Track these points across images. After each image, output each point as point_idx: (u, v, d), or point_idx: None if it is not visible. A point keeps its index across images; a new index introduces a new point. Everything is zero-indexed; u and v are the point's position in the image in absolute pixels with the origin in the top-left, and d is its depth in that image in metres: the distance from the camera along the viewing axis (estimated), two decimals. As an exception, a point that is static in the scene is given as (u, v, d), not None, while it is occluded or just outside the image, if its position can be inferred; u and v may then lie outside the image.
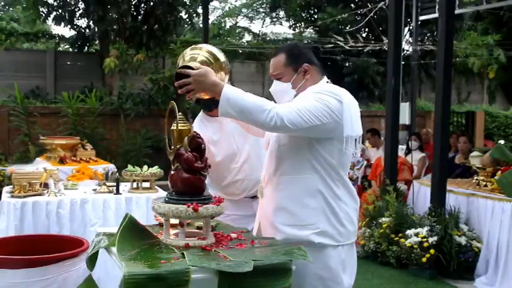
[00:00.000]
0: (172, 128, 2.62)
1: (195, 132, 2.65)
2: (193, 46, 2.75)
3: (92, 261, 2.68)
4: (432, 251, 5.63)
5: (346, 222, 2.63)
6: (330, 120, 2.51)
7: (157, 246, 2.51)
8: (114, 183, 5.06)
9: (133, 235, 2.53)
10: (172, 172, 2.62)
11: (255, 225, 2.99)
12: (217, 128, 3.56)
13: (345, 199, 2.65)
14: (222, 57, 2.67)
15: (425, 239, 5.69)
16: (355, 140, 2.63)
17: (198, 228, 2.85)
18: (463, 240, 5.72)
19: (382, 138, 9.93)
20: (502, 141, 11.54)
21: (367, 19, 13.20)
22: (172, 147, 2.62)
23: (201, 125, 3.59)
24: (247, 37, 25.20)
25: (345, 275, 2.64)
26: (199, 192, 2.59)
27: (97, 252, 2.63)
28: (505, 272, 5.48)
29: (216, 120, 3.53)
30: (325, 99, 2.53)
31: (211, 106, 3.48)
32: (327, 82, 2.76)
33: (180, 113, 2.60)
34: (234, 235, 2.75)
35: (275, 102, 2.66)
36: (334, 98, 2.55)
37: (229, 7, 26.52)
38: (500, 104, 21.64)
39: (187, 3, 14.80)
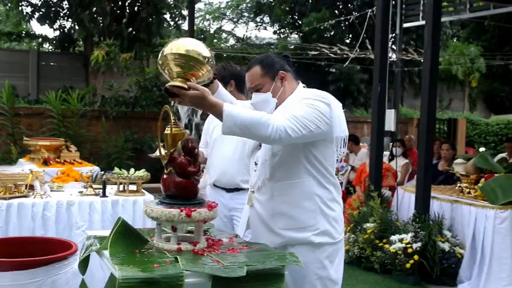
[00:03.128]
0: (166, 132, 2.63)
1: (188, 136, 2.66)
2: (172, 46, 2.55)
3: (83, 265, 2.67)
4: (416, 256, 5.67)
5: (339, 220, 2.76)
6: (323, 123, 2.58)
7: (149, 250, 2.51)
8: (101, 186, 5.03)
9: (126, 239, 2.52)
10: (165, 176, 2.63)
11: (242, 231, 3.02)
12: None
13: (337, 198, 2.77)
14: (206, 53, 2.56)
15: (409, 245, 5.74)
16: (343, 139, 2.74)
17: (189, 232, 2.85)
18: (446, 246, 5.77)
19: (361, 144, 10.05)
20: (482, 149, 11.69)
21: (350, 20, 13.28)
22: (166, 151, 2.63)
23: None
24: (231, 41, 25.22)
25: (337, 269, 2.76)
26: (192, 196, 2.60)
27: (89, 256, 2.62)
28: (488, 278, 5.56)
29: None
30: (315, 104, 2.60)
31: None
32: (304, 87, 2.85)
33: (174, 117, 2.61)
34: (225, 240, 2.76)
35: None
36: (322, 102, 2.62)
37: (212, 8, 26.56)
38: (481, 111, 21.92)
39: (172, 4, 14.75)
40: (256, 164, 2.85)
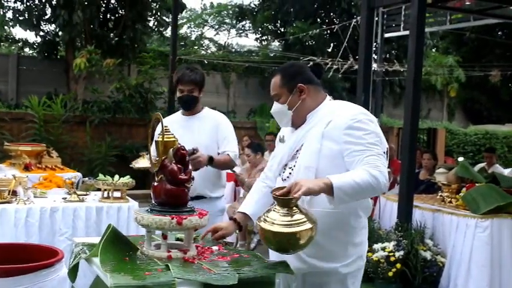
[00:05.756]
0: (157, 139, 2.62)
1: (179, 144, 2.66)
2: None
3: (73, 272, 2.66)
4: (398, 265, 5.72)
5: (365, 245, 2.74)
6: (384, 146, 2.59)
7: (139, 257, 2.51)
8: (84, 192, 5.01)
9: (116, 246, 2.52)
10: (155, 183, 2.62)
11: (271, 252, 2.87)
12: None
13: (366, 223, 2.74)
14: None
15: (392, 254, 5.79)
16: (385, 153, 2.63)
17: (178, 239, 2.85)
18: (428, 255, 5.83)
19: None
20: (461, 158, 11.82)
21: (334, 29, 13.38)
22: (157, 158, 2.62)
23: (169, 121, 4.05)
24: (213, 48, 25.23)
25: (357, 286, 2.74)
26: (182, 204, 2.60)
27: (78, 263, 2.61)
28: (468, 286, 5.61)
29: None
30: (374, 131, 2.57)
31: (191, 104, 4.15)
32: (330, 100, 2.77)
33: (166, 125, 2.60)
34: (215, 247, 2.76)
35: (268, 119, 2.73)
36: (372, 123, 2.59)
37: (194, 15, 26.60)
38: (460, 121, 22.18)
39: (156, 11, 14.72)
40: (284, 180, 2.73)
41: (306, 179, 2.48)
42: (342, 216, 2.59)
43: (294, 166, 2.67)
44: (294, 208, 2.37)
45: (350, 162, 2.52)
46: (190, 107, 4.17)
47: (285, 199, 2.35)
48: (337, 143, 2.55)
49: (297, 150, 2.68)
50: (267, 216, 2.39)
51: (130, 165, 4.82)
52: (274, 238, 2.36)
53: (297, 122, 2.73)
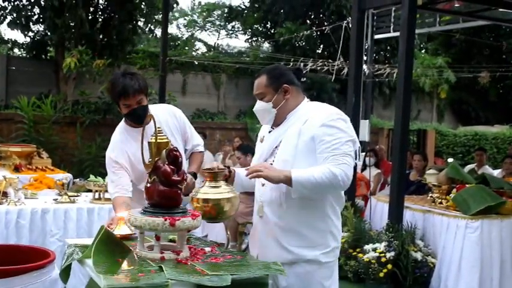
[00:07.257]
0: (150, 140, 2.62)
1: (172, 145, 2.66)
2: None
3: (65, 273, 2.65)
4: (389, 265, 5.74)
5: (340, 236, 2.87)
6: (354, 145, 2.73)
7: (132, 259, 2.50)
8: (75, 193, 5.00)
9: (109, 247, 2.51)
10: (148, 185, 2.62)
11: (252, 243, 2.99)
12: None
13: (339, 214, 2.86)
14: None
15: (383, 254, 5.80)
16: (358, 151, 2.81)
17: (171, 241, 2.85)
18: (418, 255, 5.85)
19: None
20: (451, 159, 11.88)
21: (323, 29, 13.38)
22: (150, 159, 2.62)
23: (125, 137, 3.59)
24: (203, 49, 25.19)
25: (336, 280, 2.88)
26: (175, 205, 2.60)
27: (70, 264, 2.60)
28: (458, 287, 5.64)
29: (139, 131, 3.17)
30: (344, 129, 2.69)
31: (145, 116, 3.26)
32: (307, 101, 2.90)
33: (159, 127, 2.60)
34: (207, 249, 2.77)
35: (259, 120, 2.87)
36: (346, 123, 2.73)
37: (185, 17, 26.60)
38: (449, 122, 22.26)
39: (146, 13, 14.66)
40: None
41: (278, 169, 2.68)
42: (321, 205, 2.75)
43: (273, 161, 2.81)
44: (221, 183, 2.73)
45: (320, 157, 2.68)
46: (145, 118, 3.27)
47: (212, 172, 2.72)
48: (312, 139, 2.69)
49: (276, 147, 2.83)
50: (199, 190, 2.74)
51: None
52: (201, 205, 2.68)
53: (278, 121, 2.87)
